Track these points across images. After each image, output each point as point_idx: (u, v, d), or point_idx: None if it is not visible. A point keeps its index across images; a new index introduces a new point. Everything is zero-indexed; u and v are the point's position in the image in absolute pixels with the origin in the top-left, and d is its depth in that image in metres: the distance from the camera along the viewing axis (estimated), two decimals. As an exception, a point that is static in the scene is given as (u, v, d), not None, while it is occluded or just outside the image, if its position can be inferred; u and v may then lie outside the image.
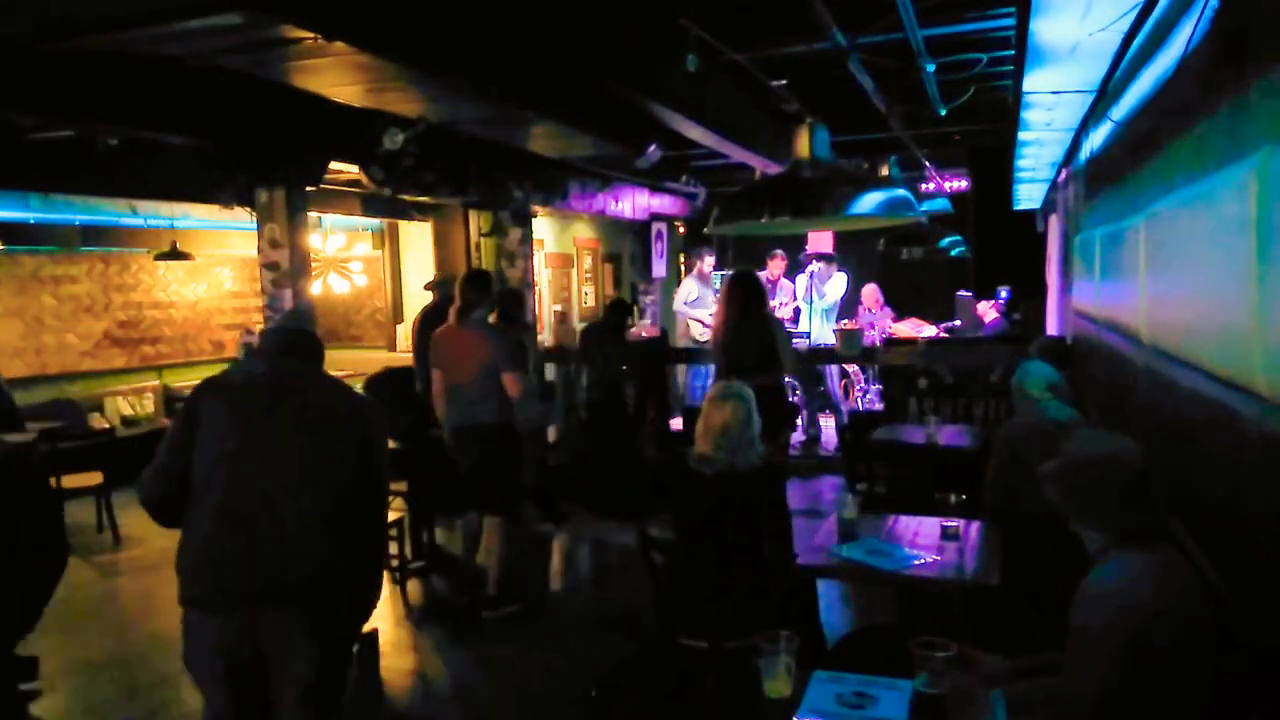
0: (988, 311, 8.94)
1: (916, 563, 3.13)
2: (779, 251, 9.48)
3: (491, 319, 5.14)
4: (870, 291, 10.04)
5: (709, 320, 9.24)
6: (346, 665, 2.54)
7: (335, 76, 4.19)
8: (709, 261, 9.64)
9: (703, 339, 9.24)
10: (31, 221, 7.54)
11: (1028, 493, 3.10)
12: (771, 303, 9.30)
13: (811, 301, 9.13)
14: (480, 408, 4.78)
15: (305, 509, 2.41)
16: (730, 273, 9.46)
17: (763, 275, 9.54)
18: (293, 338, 2.67)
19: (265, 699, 2.43)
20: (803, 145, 5.74)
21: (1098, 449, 2.17)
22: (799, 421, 8.52)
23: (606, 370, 6.94)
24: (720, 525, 3.28)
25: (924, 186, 9.61)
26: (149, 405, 8.98)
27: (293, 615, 2.38)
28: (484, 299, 4.88)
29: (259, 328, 5.66)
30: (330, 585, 2.43)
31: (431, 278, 7.50)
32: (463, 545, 5.25)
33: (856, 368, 9.59)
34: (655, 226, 11.12)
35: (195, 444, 2.43)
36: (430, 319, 5.86)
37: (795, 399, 9.55)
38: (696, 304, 9.41)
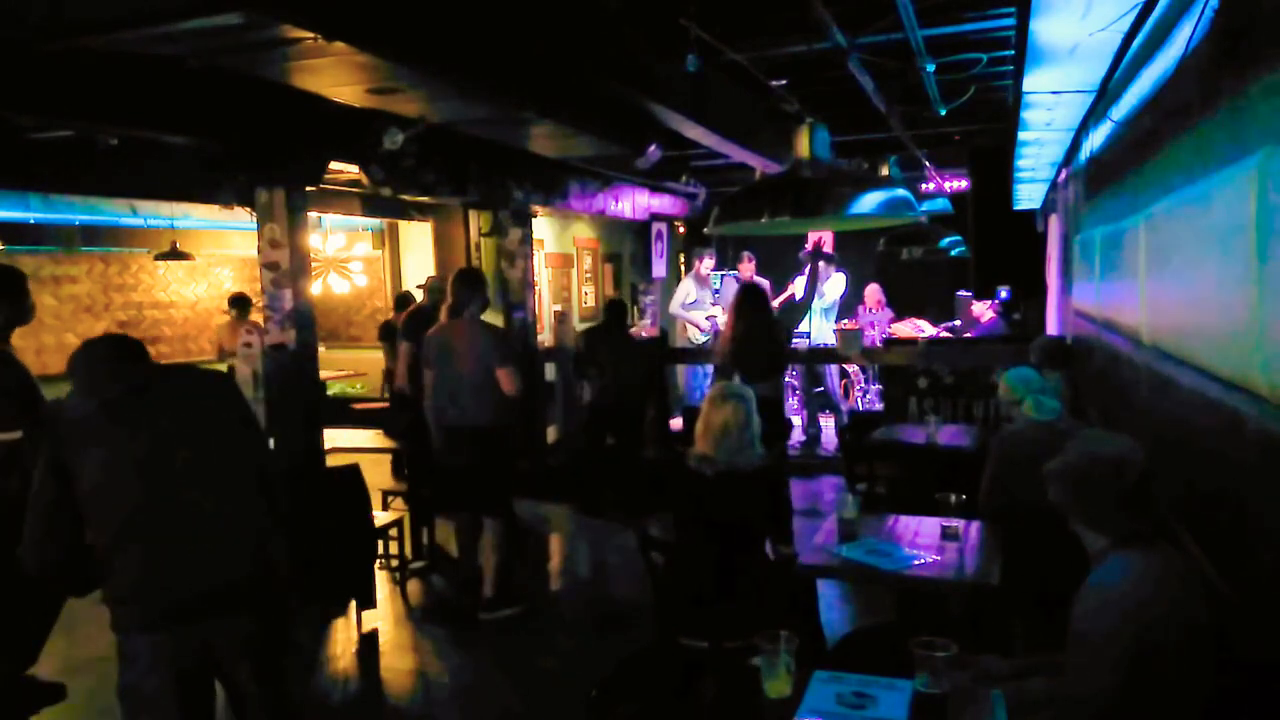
0: (984, 312, 8.94)
1: (916, 563, 3.14)
2: (746, 253, 9.51)
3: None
4: (872, 291, 10.05)
5: (704, 323, 9.25)
6: (284, 628, 2.55)
7: (335, 76, 4.19)
8: (708, 264, 9.65)
9: (699, 340, 9.25)
10: (31, 221, 7.54)
11: (1024, 498, 3.11)
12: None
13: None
14: (475, 407, 4.77)
15: (227, 501, 2.42)
16: (730, 277, 9.52)
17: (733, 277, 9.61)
18: (118, 344, 2.48)
19: (209, 702, 2.45)
20: (803, 145, 5.73)
21: (1101, 450, 2.17)
22: (794, 431, 8.56)
23: (615, 375, 6.86)
24: (720, 525, 3.28)
25: (924, 186, 9.61)
26: (149, 405, 8.96)
27: (243, 611, 2.41)
28: (475, 296, 4.89)
29: (262, 322, 5.64)
30: (268, 567, 2.47)
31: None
32: (458, 545, 5.26)
33: (856, 368, 9.59)
34: (655, 226, 11.12)
35: (74, 492, 2.30)
36: (419, 321, 5.85)
37: (795, 398, 9.58)
38: (694, 305, 9.41)
